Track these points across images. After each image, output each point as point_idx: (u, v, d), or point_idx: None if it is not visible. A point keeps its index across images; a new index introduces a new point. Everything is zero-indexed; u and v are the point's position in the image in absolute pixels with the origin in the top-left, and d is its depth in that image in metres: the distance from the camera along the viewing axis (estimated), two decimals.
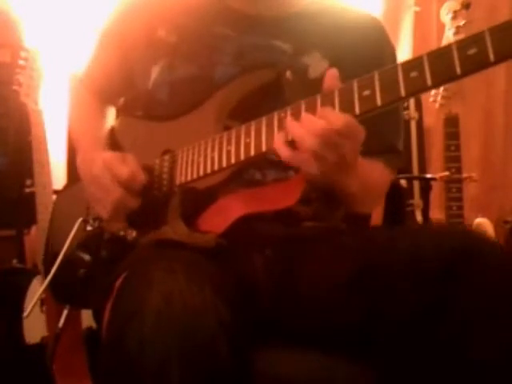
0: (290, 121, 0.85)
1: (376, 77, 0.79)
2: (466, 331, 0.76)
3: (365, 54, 1.05)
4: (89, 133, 1.17)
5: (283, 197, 0.94)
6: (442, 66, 0.74)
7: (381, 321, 0.83)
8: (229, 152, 0.92)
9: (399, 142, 1.12)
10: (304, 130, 0.82)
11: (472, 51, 0.71)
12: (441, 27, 2.15)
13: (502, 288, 0.77)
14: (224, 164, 0.93)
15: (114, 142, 1.13)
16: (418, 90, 0.77)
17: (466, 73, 0.73)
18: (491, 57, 0.70)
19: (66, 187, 1.28)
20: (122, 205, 0.99)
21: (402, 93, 0.77)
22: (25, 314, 1.63)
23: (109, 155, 1.02)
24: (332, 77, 0.85)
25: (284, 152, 0.84)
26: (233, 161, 0.92)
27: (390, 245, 0.87)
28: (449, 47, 0.74)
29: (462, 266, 0.78)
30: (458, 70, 0.73)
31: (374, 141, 0.89)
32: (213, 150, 0.94)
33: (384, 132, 1.06)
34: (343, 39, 1.05)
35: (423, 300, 0.79)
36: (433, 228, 0.97)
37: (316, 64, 1.04)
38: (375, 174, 1.04)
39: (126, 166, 0.98)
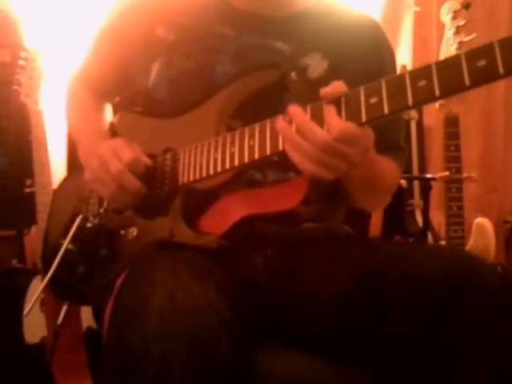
0: (294, 135, 0.83)
1: (383, 84, 0.78)
2: (465, 352, 0.77)
3: (364, 54, 1.05)
4: (90, 125, 1.17)
5: (285, 198, 0.94)
6: (450, 77, 0.73)
7: (381, 330, 0.83)
8: (232, 154, 0.92)
9: (401, 139, 1.13)
10: (308, 144, 0.81)
11: (481, 63, 0.70)
12: (441, 27, 2.15)
13: (502, 311, 0.78)
14: (227, 166, 0.93)
15: (114, 137, 1.13)
16: (425, 99, 0.76)
17: (475, 85, 0.72)
18: (501, 70, 0.69)
19: (65, 181, 1.28)
20: (122, 182, 0.97)
21: (410, 102, 0.76)
22: (25, 312, 1.63)
23: (115, 140, 1.03)
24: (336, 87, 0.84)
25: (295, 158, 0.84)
26: (236, 163, 0.91)
27: (396, 260, 0.87)
28: (458, 58, 0.73)
29: (464, 289, 0.79)
30: (467, 82, 0.72)
31: (379, 139, 0.89)
32: (216, 151, 0.94)
33: (387, 130, 1.06)
34: (343, 40, 1.05)
35: (424, 318, 0.79)
36: (435, 249, 0.99)
37: (316, 64, 1.03)
38: (386, 169, 1.04)
39: (131, 149, 0.98)
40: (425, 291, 0.81)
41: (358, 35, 1.07)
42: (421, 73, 0.75)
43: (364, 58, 1.05)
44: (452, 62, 0.73)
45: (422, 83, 0.75)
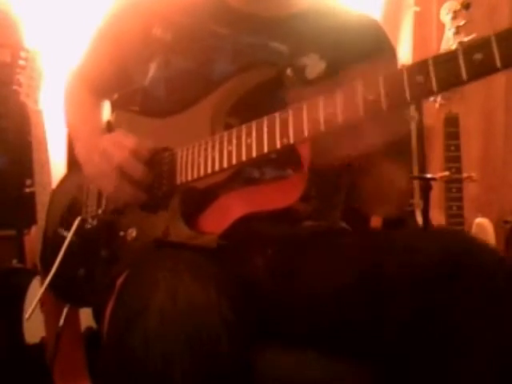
0: None
1: (381, 80, 0.78)
2: (466, 335, 0.77)
3: (365, 55, 1.05)
4: (88, 122, 1.18)
5: (284, 195, 0.94)
6: (447, 71, 0.73)
7: (382, 323, 0.83)
8: (230, 152, 0.92)
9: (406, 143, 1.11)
10: None
11: (478, 56, 0.70)
12: (441, 27, 2.15)
13: (502, 293, 0.78)
14: (225, 164, 0.93)
15: None
16: (423, 94, 0.76)
17: (472, 78, 0.71)
18: (498, 63, 0.69)
19: (62, 181, 1.28)
20: (127, 168, 0.98)
21: (408, 97, 0.76)
22: (26, 315, 1.63)
23: (115, 133, 1.05)
24: None
25: None
26: (234, 161, 0.92)
27: (392, 249, 0.87)
28: (455, 52, 0.72)
29: (463, 270, 0.79)
30: (464, 76, 0.71)
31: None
32: (213, 150, 0.94)
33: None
34: (343, 41, 1.05)
35: (424, 304, 0.80)
36: (434, 232, 0.98)
37: (314, 65, 1.03)
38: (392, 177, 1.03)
39: (132, 137, 1.00)
40: (424, 281, 0.80)
41: (359, 35, 1.07)
42: (418, 68, 0.75)
43: (364, 58, 1.04)
44: (449, 56, 0.73)
45: (420, 78, 0.74)
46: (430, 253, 0.82)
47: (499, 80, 2.69)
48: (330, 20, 1.08)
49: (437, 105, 2.16)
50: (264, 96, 0.96)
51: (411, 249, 0.85)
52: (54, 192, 1.30)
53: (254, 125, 0.90)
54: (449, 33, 2.06)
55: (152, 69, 1.08)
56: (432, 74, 0.74)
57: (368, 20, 1.13)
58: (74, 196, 1.16)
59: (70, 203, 1.17)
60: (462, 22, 2.03)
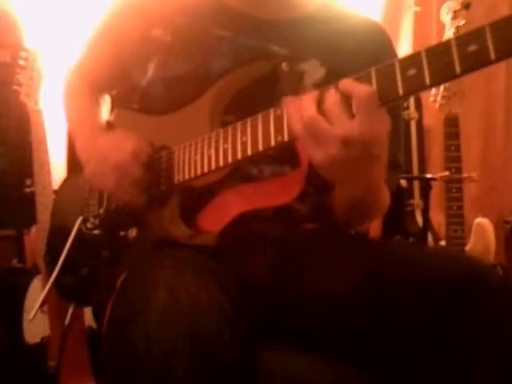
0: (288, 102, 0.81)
1: (373, 74, 0.77)
2: (468, 351, 0.78)
3: (367, 63, 1.04)
4: (87, 120, 1.18)
5: (282, 192, 0.93)
6: (441, 64, 0.71)
7: (383, 329, 0.83)
8: (225, 150, 0.91)
9: (401, 157, 1.10)
10: (295, 114, 0.79)
11: (472, 48, 0.69)
12: (441, 27, 2.15)
13: (502, 313, 0.79)
14: (221, 163, 0.92)
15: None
16: (416, 88, 0.74)
17: (465, 71, 0.70)
18: (492, 54, 0.67)
19: (66, 181, 1.28)
20: (126, 169, 0.98)
21: (400, 92, 0.74)
22: (30, 316, 1.64)
23: (114, 134, 1.04)
24: None
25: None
26: (230, 160, 0.91)
27: (400, 261, 0.88)
28: (448, 44, 0.71)
29: (466, 291, 0.79)
30: (458, 69, 0.70)
31: None
32: (209, 148, 0.94)
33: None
34: (343, 46, 1.03)
35: (427, 317, 0.80)
36: (441, 252, 0.99)
37: (313, 70, 1.02)
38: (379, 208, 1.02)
39: (132, 139, 1.00)
40: (427, 292, 0.81)
41: (359, 41, 1.05)
42: (411, 61, 0.73)
43: (366, 66, 1.03)
44: (442, 49, 0.71)
45: (412, 72, 0.73)
46: (432, 270, 0.83)
47: (499, 80, 2.70)
48: (334, 26, 1.06)
49: (437, 105, 2.16)
50: (260, 92, 0.95)
51: (414, 261, 0.86)
52: (58, 191, 1.30)
53: (248, 122, 0.89)
54: (449, 33, 2.06)
55: (150, 69, 1.08)
56: (425, 67, 0.72)
57: (373, 27, 1.11)
58: (78, 195, 1.16)
59: (73, 203, 1.17)
60: (462, 22, 2.03)
